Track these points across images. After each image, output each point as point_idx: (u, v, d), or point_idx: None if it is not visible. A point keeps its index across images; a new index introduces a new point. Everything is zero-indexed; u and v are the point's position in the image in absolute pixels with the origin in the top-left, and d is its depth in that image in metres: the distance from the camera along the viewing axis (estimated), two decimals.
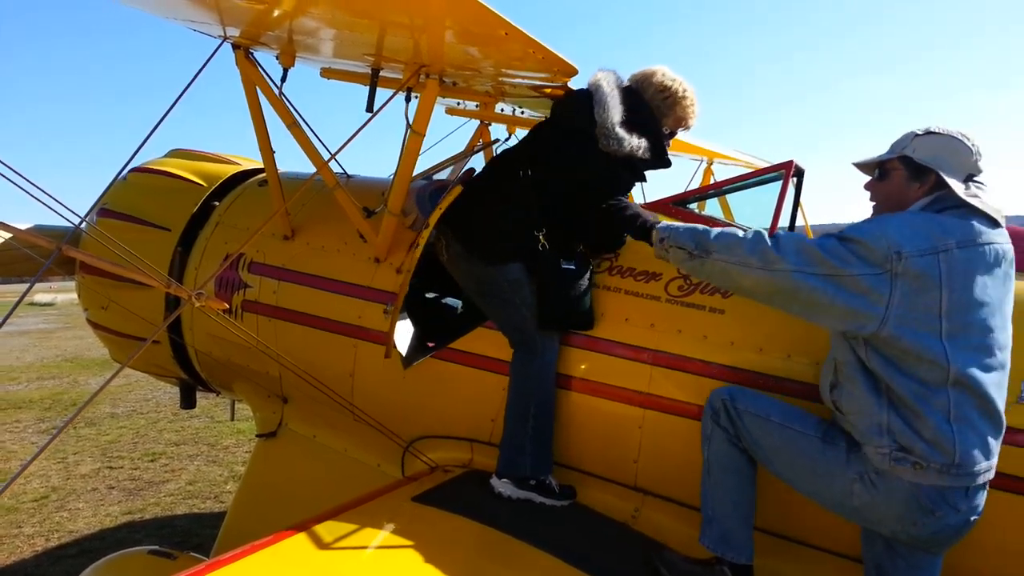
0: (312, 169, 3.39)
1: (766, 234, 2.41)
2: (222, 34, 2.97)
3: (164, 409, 9.77)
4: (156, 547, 3.75)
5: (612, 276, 3.07)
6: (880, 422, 2.31)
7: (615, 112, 2.85)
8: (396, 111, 3.30)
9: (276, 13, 2.65)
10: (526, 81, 3.13)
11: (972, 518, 2.33)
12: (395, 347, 3.35)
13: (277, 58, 3.29)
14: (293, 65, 3.29)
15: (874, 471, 2.33)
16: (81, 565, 4.03)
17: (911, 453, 2.26)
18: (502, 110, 4.32)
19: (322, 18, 2.66)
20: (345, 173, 4.10)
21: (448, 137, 4.58)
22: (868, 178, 2.59)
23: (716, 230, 2.52)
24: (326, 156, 3.33)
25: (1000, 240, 2.35)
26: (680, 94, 3.02)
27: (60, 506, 6.43)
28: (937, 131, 2.43)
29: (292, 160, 3.88)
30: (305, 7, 2.54)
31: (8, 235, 4.05)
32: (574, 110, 2.96)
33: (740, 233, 2.46)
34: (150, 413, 9.63)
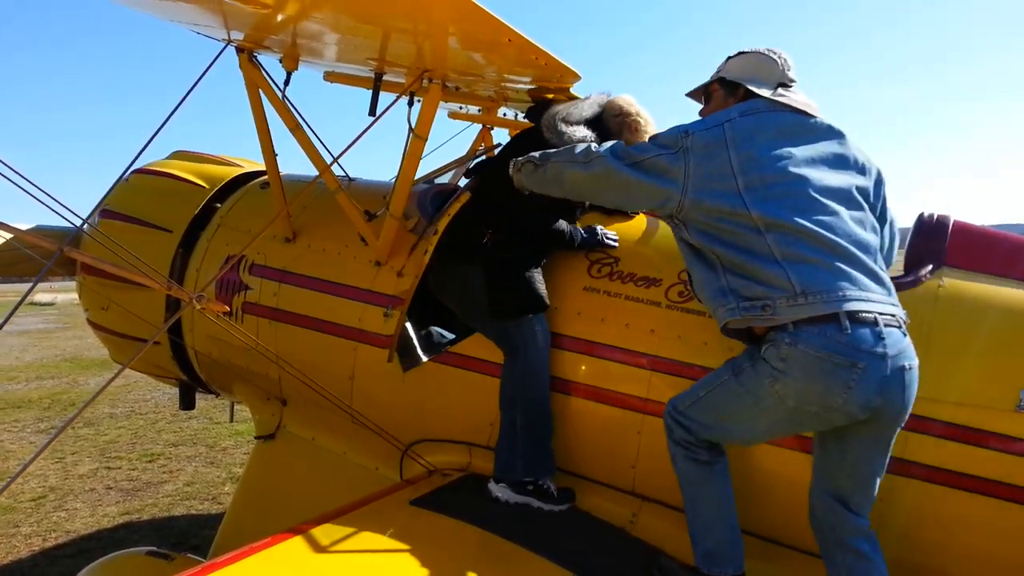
0: (314, 172, 3.40)
1: (591, 143, 2.68)
2: (226, 37, 2.98)
3: (163, 410, 9.76)
4: (153, 548, 3.75)
5: (612, 281, 3.08)
6: (722, 286, 2.48)
7: (563, 109, 3.02)
8: (398, 115, 3.31)
9: (280, 17, 2.66)
10: (529, 86, 3.15)
11: (904, 363, 2.34)
12: (396, 351, 3.35)
13: (280, 61, 3.31)
14: (296, 68, 3.31)
15: (779, 359, 2.35)
16: (78, 565, 4.02)
17: (755, 299, 2.39)
18: (504, 115, 4.34)
19: (326, 22, 2.67)
20: (347, 176, 4.11)
21: (450, 141, 4.59)
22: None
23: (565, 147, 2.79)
24: (328, 159, 3.34)
25: (804, 110, 2.57)
26: (633, 117, 3.19)
27: (58, 506, 6.42)
28: (746, 51, 2.73)
29: (294, 163, 3.90)
30: (309, 11, 2.55)
31: (10, 235, 4.06)
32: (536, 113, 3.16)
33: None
34: (149, 414, 9.62)
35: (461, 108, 4.43)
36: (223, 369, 4.15)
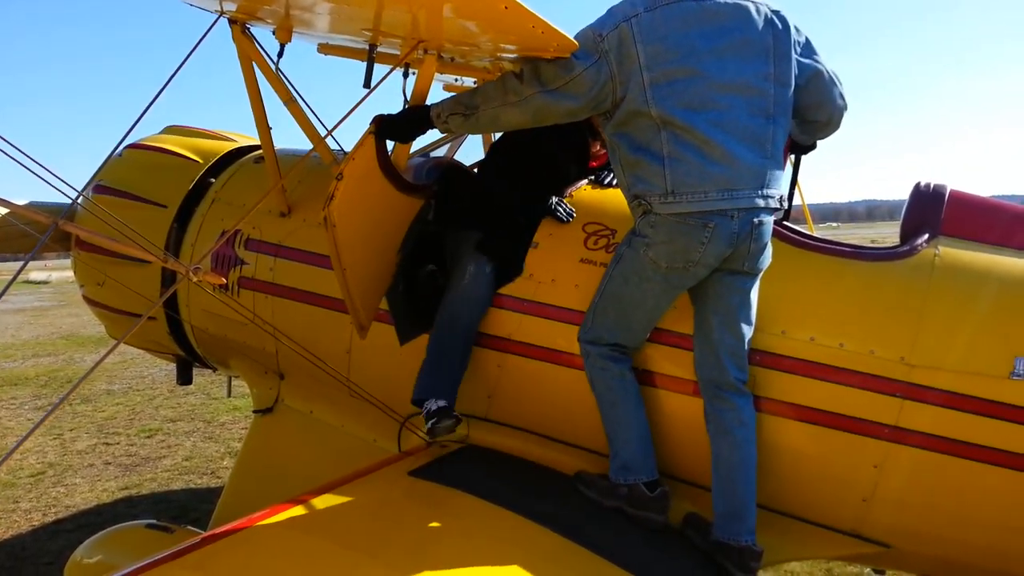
0: (309, 146, 3.37)
1: (511, 73, 2.73)
2: (219, 8, 2.94)
3: (160, 386, 9.79)
4: (154, 521, 3.78)
5: (609, 253, 3.07)
6: (624, 184, 2.76)
7: None
8: (394, 87, 3.28)
9: None
10: (525, 56, 3.11)
11: (753, 219, 2.62)
12: (394, 324, 3.34)
13: (274, 33, 3.26)
14: (290, 40, 3.26)
15: (648, 227, 2.66)
16: (78, 540, 4.05)
17: (639, 198, 2.67)
18: None
19: None
20: (342, 150, 4.08)
21: None
22: None
23: (475, 88, 2.87)
24: (323, 132, 3.32)
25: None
26: None
27: (57, 481, 6.46)
28: None
29: (289, 137, 3.87)
30: None
31: (5, 211, 4.04)
32: None
33: (492, 80, 2.83)
34: (146, 390, 9.65)
35: (456, 80, 4.39)
36: (220, 344, 4.15)
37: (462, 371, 3.16)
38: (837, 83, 2.84)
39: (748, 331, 2.78)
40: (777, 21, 2.69)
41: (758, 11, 2.67)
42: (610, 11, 2.68)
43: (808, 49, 2.78)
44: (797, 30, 2.74)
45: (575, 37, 2.65)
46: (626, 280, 2.79)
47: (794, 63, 2.72)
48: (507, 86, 2.71)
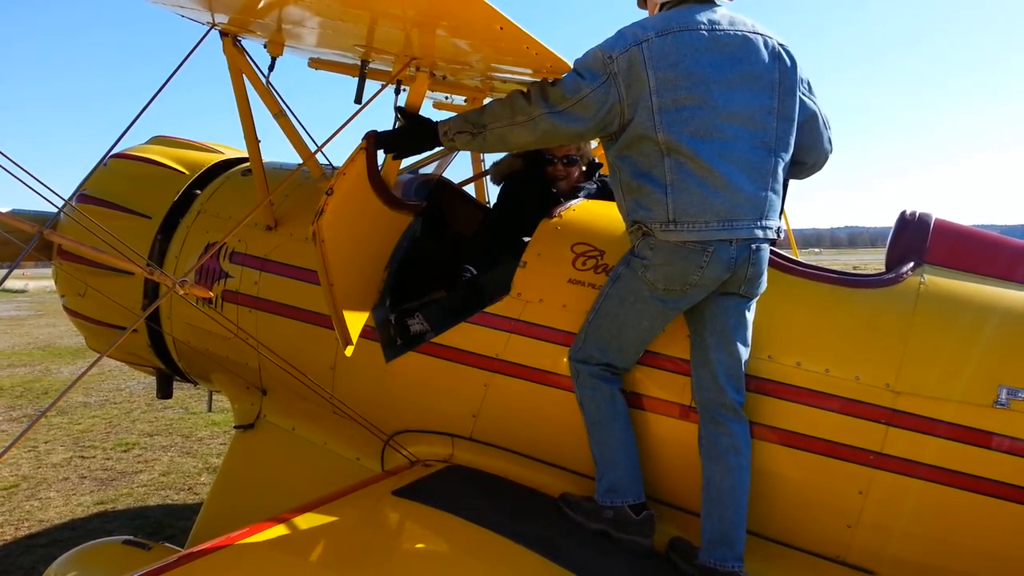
0: (298, 160, 3.36)
1: (519, 92, 2.74)
2: (210, 20, 2.93)
3: (138, 399, 9.66)
4: (130, 537, 3.71)
5: (598, 274, 3.07)
6: (624, 209, 2.77)
7: None
8: (384, 104, 3.28)
9: (265, 0, 2.62)
10: (517, 76, 3.13)
11: (752, 245, 2.65)
12: (380, 342, 3.32)
13: (265, 47, 3.26)
14: (281, 54, 3.27)
15: (648, 249, 2.67)
16: (52, 555, 3.98)
17: (640, 223, 2.68)
18: None
19: (312, 6, 2.64)
20: (331, 165, 4.08)
21: None
22: None
23: (482, 106, 2.84)
24: (313, 147, 3.31)
25: (722, 26, 2.67)
26: None
27: (30, 495, 6.34)
28: None
29: (277, 150, 3.85)
30: None
31: None
32: None
33: (500, 99, 2.81)
34: (123, 403, 9.52)
35: (447, 98, 4.41)
36: (202, 357, 4.10)
37: None
38: (828, 127, 2.92)
39: (745, 352, 2.78)
40: (785, 56, 2.73)
41: (766, 44, 2.70)
42: (620, 33, 2.67)
43: (808, 89, 2.84)
44: (794, 75, 2.76)
45: (583, 57, 2.66)
46: (622, 300, 2.79)
47: (798, 99, 2.76)
48: (515, 106, 2.71)
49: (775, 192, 2.72)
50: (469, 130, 2.79)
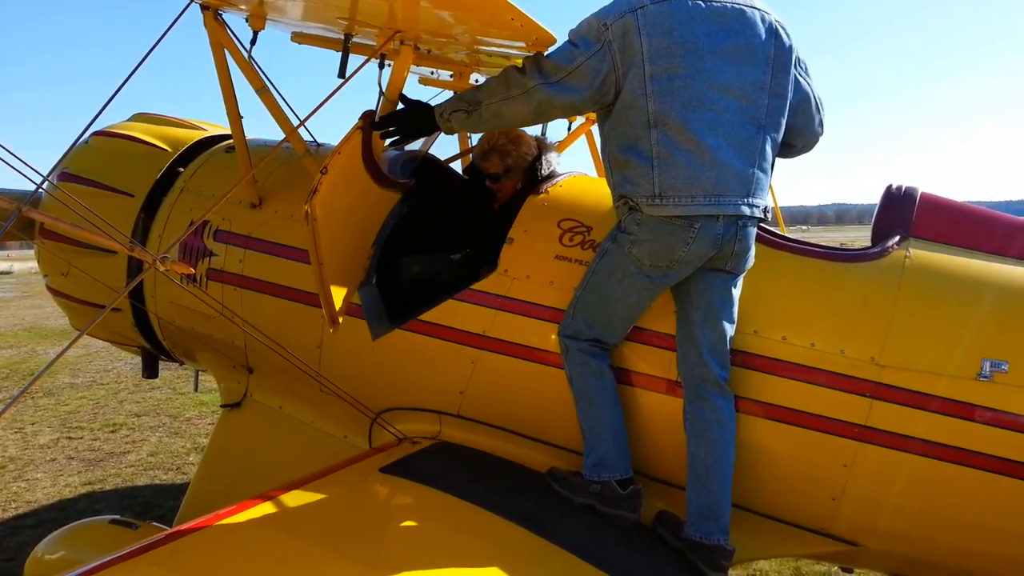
0: (281, 136, 3.32)
1: (513, 67, 2.73)
2: None
3: (125, 380, 9.62)
4: (117, 517, 3.71)
5: (585, 250, 3.06)
6: (611, 182, 2.75)
7: None
8: (369, 79, 3.24)
9: None
10: (503, 50, 3.10)
11: (737, 221, 2.63)
12: (366, 319, 3.30)
13: (247, 20, 3.21)
14: (263, 28, 3.21)
15: (634, 224, 2.65)
16: (39, 535, 3.96)
17: (626, 198, 2.66)
18: (476, 80, 4.28)
19: None
20: (315, 141, 4.03)
21: None
22: None
23: (477, 85, 2.85)
24: (295, 123, 3.27)
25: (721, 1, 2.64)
26: None
27: (17, 476, 6.32)
28: None
29: (261, 127, 3.81)
30: None
31: None
32: None
33: (494, 76, 2.79)
34: (110, 384, 9.48)
35: (432, 73, 4.36)
36: (187, 337, 4.07)
37: None
38: (821, 110, 2.87)
39: (730, 329, 2.79)
40: (782, 33, 2.70)
41: (763, 19, 2.66)
42: (615, 0, 2.65)
43: (804, 71, 2.79)
44: (790, 52, 2.72)
45: (578, 26, 2.65)
46: (609, 275, 2.78)
47: (792, 78, 2.72)
48: (509, 80, 2.68)
49: (763, 170, 2.69)
50: (464, 108, 2.75)
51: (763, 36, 2.65)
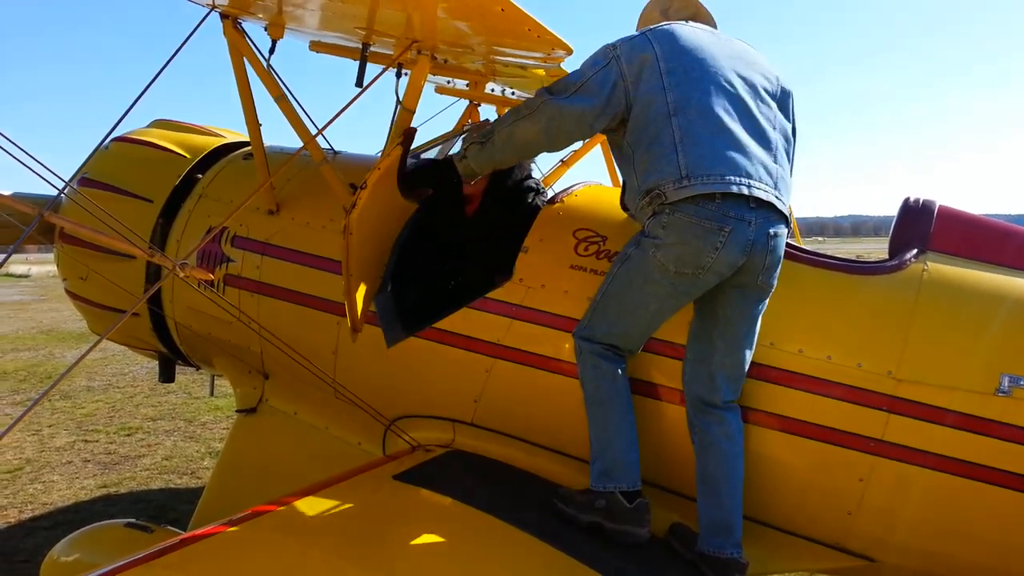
0: (299, 144, 3.35)
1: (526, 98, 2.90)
2: (211, 2, 2.91)
3: (141, 384, 9.68)
4: (133, 520, 3.73)
5: (600, 260, 3.06)
6: (635, 187, 2.69)
7: None
8: (386, 87, 3.26)
9: None
10: (519, 60, 3.11)
11: (770, 230, 2.60)
12: (375, 325, 3.32)
13: (266, 29, 3.24)
14: (282, 37, 3.24)
15: (660, 227, 2.58)
16: (55, 538, 3.99)
17: (653, 190, 2.59)
18: (492, 90, 4.29)
19: None
20: (332, 149, 4.06)
21: (437, 116, 4.55)
22: None
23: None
24: (313, 131, 3.29)
25: (723, 35, 2.87)
26: None
27: (34, 478, 6.36)
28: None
29: (279, 134, 3.84)
30: None
31: None
32: None
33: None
34: (127, 387, 9.54)
35: (449, 82, 4.38)
36: (204, 342, 4.10)
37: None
38: (794, 157, 2.95)
39: (749, 356, 2.76)
40: (783, 84, 2.84)
41: (767, 66, 2.85)
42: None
43: (792, 117, 2.90)
44: (788, 92, 2.88)
45: (590, 58, 2.74)
46: (630, 282, 2.71)
47: (791, 113, 2.86)
48: (519, 106, 2.77)
49: (783, 168, 2.70)
50: (477, 139, 2.85)
51: (765, 67, 2.83)
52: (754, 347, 2.76)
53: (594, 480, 2.74)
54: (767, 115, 2.70)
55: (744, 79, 2.71)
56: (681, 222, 2.54)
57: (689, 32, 2.76)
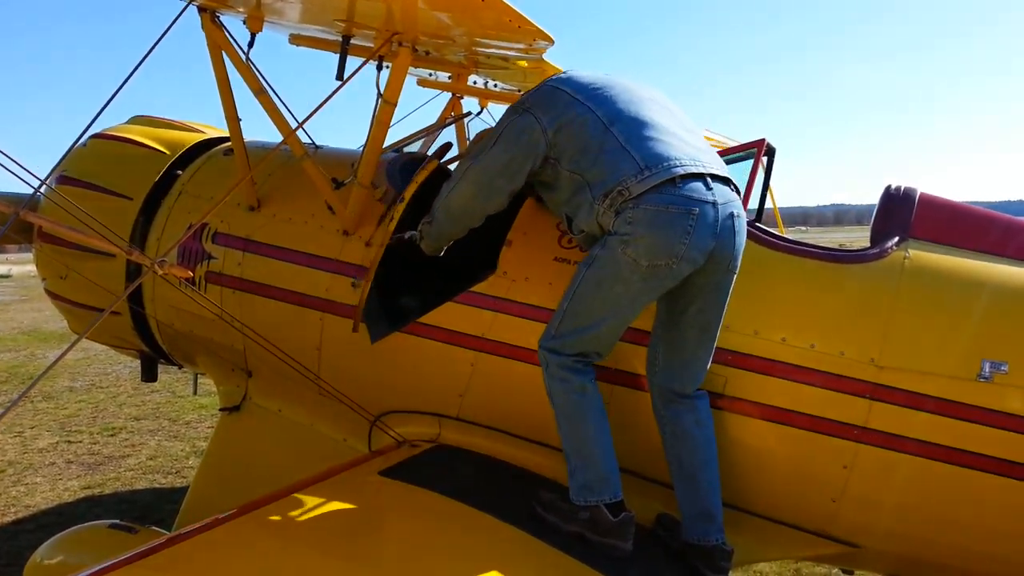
0: (279, 138, 3.32)
1: None
2: None
3: (124, 383, 9.60)
4: (117, 521, 3.70)
5: (584, 252, 3.05)
6: (588, 199, 2.66)
7: None
8: (367, 81, 3.23)
9: None
10: (501, 52, 3.10)
11: (733, 211, 2.61)
12: (363, 321, 3.31)
13: (244, 22, 3.21)
14: (261, 30, 3.21)
15: (626, 223, 2.55)
16: (38, 540, 3.94)
17: (612, 188, 2.58)
18: (475, 83, 4.28)
19: None
20: (313, 143, 4.03)
21: (419, 109, 4.53)
22: None
23: None
24: (294, 125, 3.27)
25: None
26: None
27: (16, 480, 6.30)
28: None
29: (259, 129, 3.81)
30: None
31: None
32: None
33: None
34: (110, 387, 9.46)
35: (431, 75, 4.36)
36: (186, 340, 4.07)
37: None
38: None
39: (716, 341, 2.78)
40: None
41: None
42: None
43: None
44: None
45: (503, 116, 2.84)
46: (599, 283, 2.63)
47: None
48: (448, 180, 2.91)
49: (717, 157, 2.78)
50: (427, 220, 2.99)
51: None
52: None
53: (574, 494, 2.66)
54: (683, 117, 2.85)
55: (648, 92, 2.85)
56: (648, 212, 2.52)
57: (584, 71, 2.88)
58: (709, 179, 2.58)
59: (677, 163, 2.56)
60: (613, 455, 2.68)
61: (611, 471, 2.66)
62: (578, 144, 2.68)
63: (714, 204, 2.56)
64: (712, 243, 2.56)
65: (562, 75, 2.89)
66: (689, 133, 2.74)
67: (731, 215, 2.60)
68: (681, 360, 2.74)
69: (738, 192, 2.72)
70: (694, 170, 2.56)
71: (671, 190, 2.53)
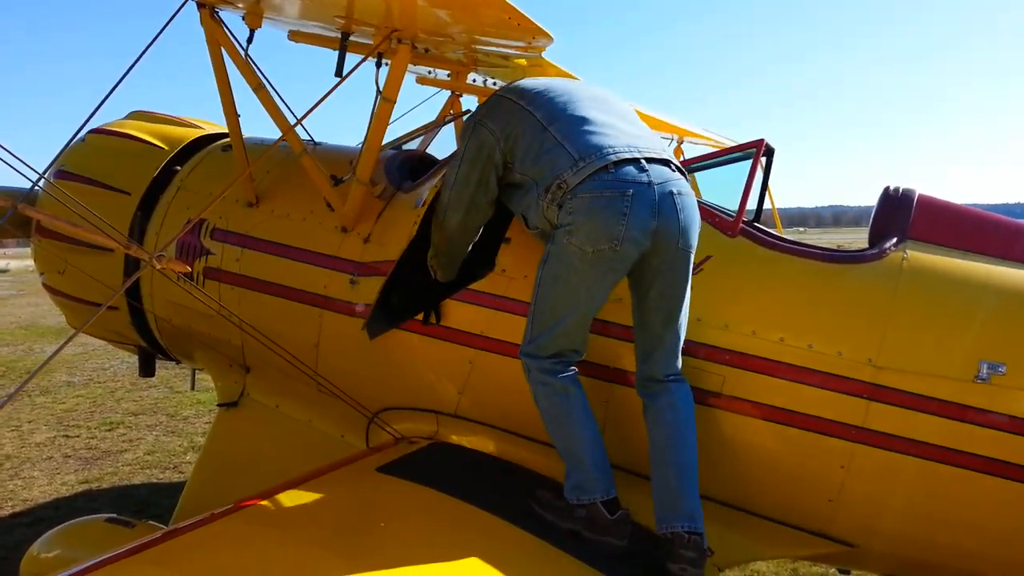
0: (278, 134, 3.31)
1: None
2: None
3: (122, 378, 9.60)
4: (114, 515, 3.70)
5: None
6: (532, 195, 2.76)
7: None
8: (366, 78, 3.23)
9: None
10: (500, 49, 3.09)
11: (672, 189, 2.66)
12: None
13: (243, 18, 3.20)
14: (260, 26, 3.21)
15: (567, 214, 2.63)
16: (36, 534, 3.95)
17: (552, 182, 2.67)
18: (474, 80, 4.27)
19: None
20: (312, 140, 4.03)
21: (419, 107, 4.52)
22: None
23: None
24: (292, 121, 3.26)
25: None
26: None
27: (14, 474, 6.30)
28: None
29: (258, 125, 3.80)
30: None
31: None
32: None
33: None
34: (107, 382, 9.46)
35: (430, 73, 4.35)
36: (184, 335, 4.07)
37: None
38: None
39: (685, 324, 2.78)
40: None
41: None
42: None
43: None
44: None
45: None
46: (556, 277, 2.68)
47: None
48: (435, 215, 3.05)
49: (661, 145, 2.85)
50: (431, 255, 3.13)
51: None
52: (687, 317, 2.78)
53: (569, 492, 2.69)
54: (627, 111, 2.93)
55: (591, 92, 2.94)
56: (585, 200, 2.60)
57: (532, 78, 3.02)
58: (644, 162, 2.64)
59: (611, 151, 2.64)
60: (603, 454, 2.70)
61: (601, 470, 2.68)
62: (523, 146, 2.80)
63: (649, 184, 2.61)
64: (653, 222, 2.60)
65: (509, 84, 3.03)
66: (629, 124, 2.83)
67: (671, 193, 2.65)
68: (651, 345, 2.76)
69: (682, 173, 2.77)
70: (627, 155, 2.64)
71: (604, 176, 2.60)
